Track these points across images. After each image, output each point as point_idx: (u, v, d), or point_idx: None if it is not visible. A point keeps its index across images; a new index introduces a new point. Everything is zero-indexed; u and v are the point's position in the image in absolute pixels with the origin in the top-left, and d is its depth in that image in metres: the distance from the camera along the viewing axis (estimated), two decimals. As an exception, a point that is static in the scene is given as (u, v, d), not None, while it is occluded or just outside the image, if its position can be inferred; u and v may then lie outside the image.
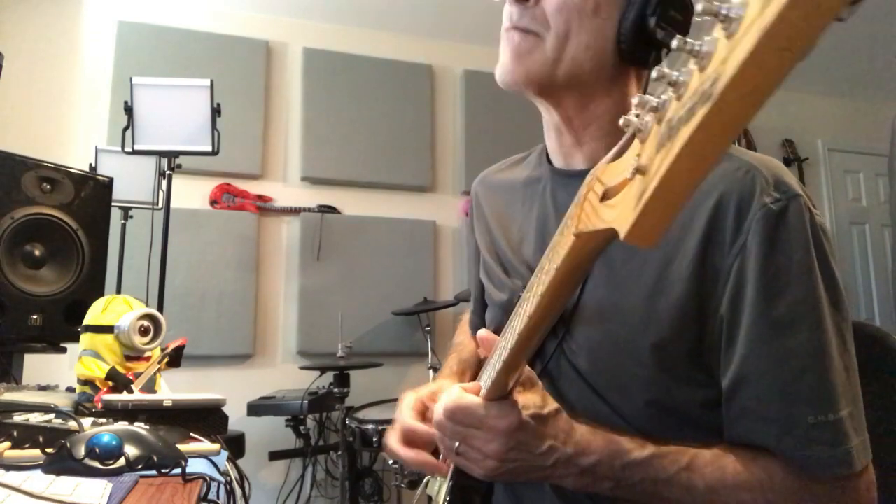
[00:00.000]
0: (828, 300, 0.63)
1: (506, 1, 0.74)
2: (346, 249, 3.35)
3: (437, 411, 0.65)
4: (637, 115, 0.34)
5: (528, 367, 0.63)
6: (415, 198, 3.61)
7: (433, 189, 3.65)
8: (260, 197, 3.31)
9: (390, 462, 2.50)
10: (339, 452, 2.61)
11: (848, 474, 0.61)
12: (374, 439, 2.37)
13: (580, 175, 0.80)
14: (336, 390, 2.60)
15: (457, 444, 0.63)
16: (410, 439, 0.77)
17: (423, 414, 0.80)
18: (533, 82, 0.74)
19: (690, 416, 0.70)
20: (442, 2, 3.42)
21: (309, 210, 3.34)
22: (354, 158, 3.47)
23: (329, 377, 2.69)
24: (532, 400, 0.62)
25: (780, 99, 3.79)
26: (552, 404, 0.63)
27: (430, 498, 0.87)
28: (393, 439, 0.78)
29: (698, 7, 0.26)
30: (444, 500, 0.76)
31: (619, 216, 0.34)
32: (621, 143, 0.40)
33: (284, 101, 3.46)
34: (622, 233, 0.32)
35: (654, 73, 0.31)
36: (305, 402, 2.52)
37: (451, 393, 0.64)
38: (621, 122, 0.36)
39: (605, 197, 0.39)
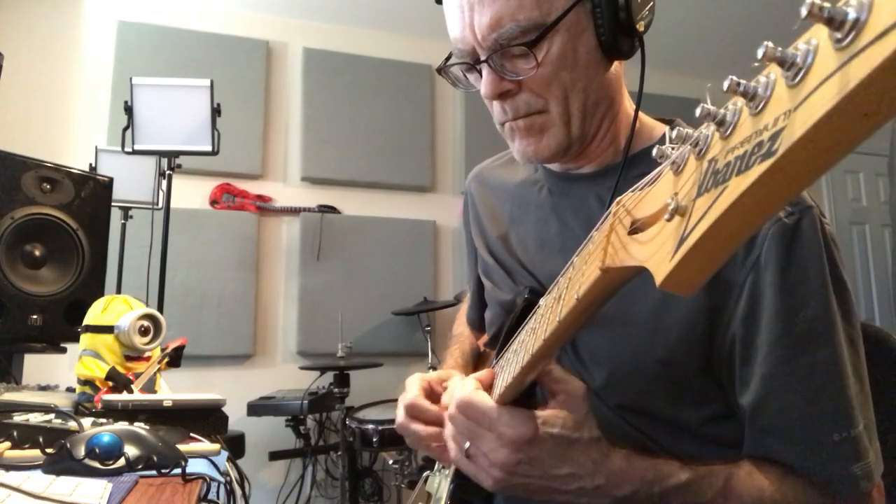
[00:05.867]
0: (840, 313, 0.63)
1: (491, 101, 0.73)
2: (346, 249, 3.35)
3: (451, 402, 0.61)
4: (673, 147, 0.32)
5: (577, 383, 0.59)
6: (415, 198, 3.61)
7: (433, 189, 3.65)
8: (260, 197, 3.31)
9: (390, 462, 2.50)
10: (339, 452, 2.61)
11: (869, 489, 0.61)
12: (374, 439, 2.36)
13: (579, 180, 0.80)
14: (336, 390, 2.60)
15: (467, 444, 0.60)
16: (416, 415, 0.75)
17: (430, 396, 0.79)
18: (560, 151, 0.74)
19: (695, 430, 0.70)
20: (442, 2, 3.41)
21: (309, 210, 3.34)
22: (354, 158, 3.47)
23: (329, 377, 2.70)
24: (565, 419, 0.56)
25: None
26: (590, 431, 0.58)
27: (428, 494, 0.87)
28: (402, 414, 0.77)
29: (759, 52, 0.24)
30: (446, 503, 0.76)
31: (654, 258, 0.32)
32: (653, 174, 0.37)
33: (284, 101, 3.46)
34: (657, 278, 0.30)
35: (697, 111, 0.29)
36: (305, 402, 2.52)
37: (466, 385, 0.61)
38: (655, 152, 0.34)
39: (633, 229, 0.36)
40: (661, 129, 0.79)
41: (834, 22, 0.21)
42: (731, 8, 3.51)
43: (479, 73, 0.71)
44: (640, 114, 0.76)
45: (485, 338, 0.97)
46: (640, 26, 0.69)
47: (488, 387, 0.62)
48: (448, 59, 0.76)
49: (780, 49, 0.24)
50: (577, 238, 0.77)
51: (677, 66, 3.97)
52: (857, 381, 0.63)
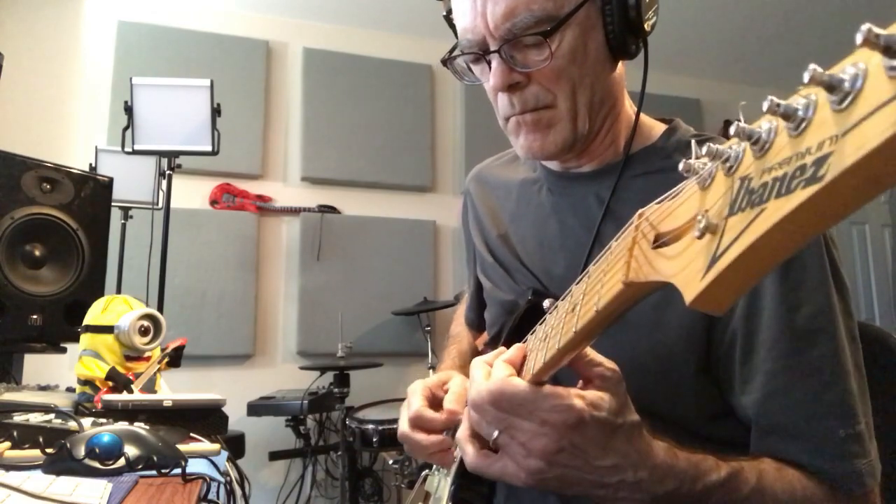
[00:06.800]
0: (841, 308, 0.63)
1: (497, 93, 0.73)
2: (346, 249, 3.35)
3: (477, 391, 0.55)
4: (702, 163, 0.31)
5: (612, 365, 0.55)
6: (415, 198, 3.61)
7: (433, 189, 3.66)
8: (260, 197, 3.31)
9: (390, 462, 2.50)
10: (339, 452, 2.61)
11: (872, 487, 0.61)
12: (374, 439, 2.36)
13: (579, 179, 0.80)
14: (336, 390, 2.61)
15: (496, 433, 0.54)
16: (420, 426, 0.75)
17: (432, 403, 0.78)
18: (565, 148, 0.73)
19: (695, 430, 0.69)
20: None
21: (309, 210, 3.34)
22: (354, 158, 3.47)
23: (329, 377, 2.70)
24: (608, 403, 0.52)
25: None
26: (632, 416, 0.54)
27: (427, 493, 0.87)
28: (405, 425, 0.76)
29: (805, 76, 0.23)
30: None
31: (682, 275, 0.31)
32: (677, 188, 0.36)
33: (284, 101, 3.46)
34: (687, 296, 0.30)
35: (731, 129, 0.28)
36: (305, 402, 2.52)
37: (496, 371, 0.55)
38: (681, 167, 0.33)
39: (658, 243, 0.36)
40: (659, 128, 0.79)
41: (891, 51, 0.20)
42: (731, 8, 3.51)
43: (488, 64, 0.70)
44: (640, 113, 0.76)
45: (484, 337, 0.97)
46: (647, 26, 0.69)
47: (519, 367, 0.57)
48: (453, 50, 0.75)
49: (827, 73, 0.23)
50: (577, 237, 0.78)
51: (677, 66, 3.97)
52: (859, 377, 0.63)
